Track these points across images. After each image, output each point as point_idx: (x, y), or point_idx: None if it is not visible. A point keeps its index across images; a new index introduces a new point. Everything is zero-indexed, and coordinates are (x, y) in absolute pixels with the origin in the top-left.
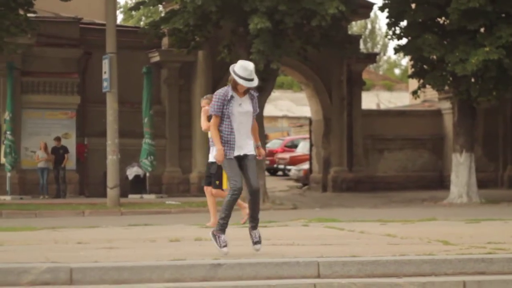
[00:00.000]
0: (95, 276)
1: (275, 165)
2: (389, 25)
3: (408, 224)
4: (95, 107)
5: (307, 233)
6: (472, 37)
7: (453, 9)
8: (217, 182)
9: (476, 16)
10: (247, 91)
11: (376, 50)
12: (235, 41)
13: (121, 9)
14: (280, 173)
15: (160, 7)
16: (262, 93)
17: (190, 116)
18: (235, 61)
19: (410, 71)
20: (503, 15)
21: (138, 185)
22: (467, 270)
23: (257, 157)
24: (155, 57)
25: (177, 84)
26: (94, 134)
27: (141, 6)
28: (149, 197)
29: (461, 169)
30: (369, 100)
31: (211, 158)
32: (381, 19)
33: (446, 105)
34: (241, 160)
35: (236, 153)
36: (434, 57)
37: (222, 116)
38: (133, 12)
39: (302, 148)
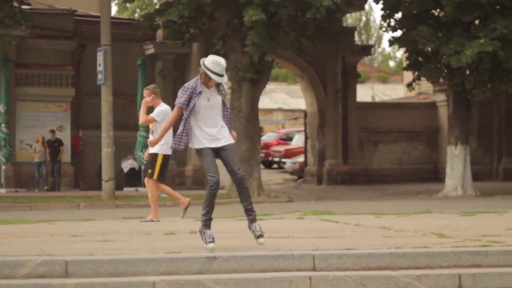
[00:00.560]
0: (90, 269)
1: (270, 158)
2: (384, 17)
3: (403, 216)
4: (90, 100)
5: (302, 225)
6: (466, 29)
7: (448, 1)
8: (149, 171)
9: (470, 8)
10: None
11: (371, 42)
12: (230, 33)
13: (116, 1)
14: (275, 166)
15: None
16: (257, 85)
17: None
18: (230, 53)
19: (405, 64)
20: (498, 7)
21: (133, 178)
22: (462, 263)
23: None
24: (150, 49)
25: (171, 76)
26: (89, 126)
27: None
28: (144, 190)
29: (456, 161)
30: (364, 93)
31: (154, 150)
32: (376, 11)
33: (441, 98)
34: (219, 153)
35: (213, 145)
36: (429, 49)
37: (188, 109)
38: (128, 4)
39: (297, 141)
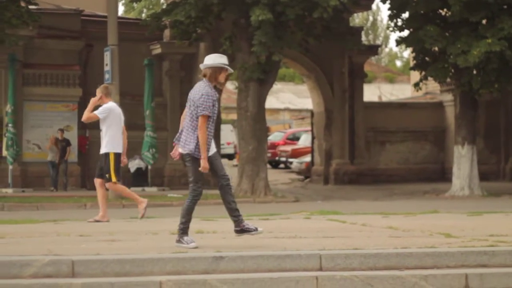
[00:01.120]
0: (97, 269)
1: (277, 158)
2: (391, 17)
3: (410, 216)
4: None
5: (309, 225)
6: (474, 28)
7: (455, 0)
8: (107, 176)
9: (478, 7)
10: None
11: (378, 42)
12: (237, 33)
13: (123, 1)
14: (282, 165)
15: None
16: (264, 85)
17: None
18: (237, 53)
19: (412, 63)
20: (505, 6)
21: (140, 177)
22: (469, 263)
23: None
24: (157, 49)
25: (178, 76)
26: (96, 126)
27: None
28: (151, 189)
29: (463, 161)
30: (371, 93)
31: (103, 150)
32: (383, 11)
33: (448, 97)
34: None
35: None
36: (436, 49)
37: (212, 116)
38: (135, 4)
39: (304, 141)
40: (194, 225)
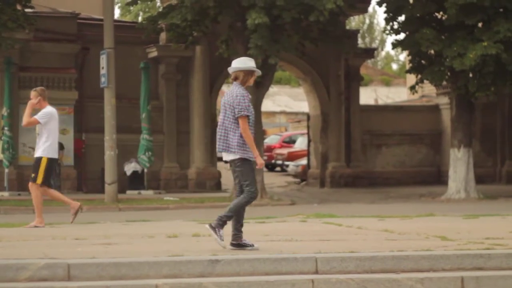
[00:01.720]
0: (93, 272)
1: (273, 161)
2: (387, 20)
3: (406, 219)
4: (93, 103)
5: (305, 228)
6: (470, 32)
7: (451, 3)
8: (33, 175)
9: (474, 10)
10: None
11: (374, 45)
12: (233, 36)
13: (119, 4)
14: (278, 168)
15: (158, 2)
16: (260, 88)
17: (188, 111)
18: (233, 56)
19: (408, 66)
20: (501, 9)
21: (136, 180)
22: (465, 266)
23: None
24: (153, 52)
25: (174, 79)
26: (92, 129)
27: (139, 1)
28: (147, 193)
29: (459, 164)
30: (367, 95)
31: (38, 154)
32: (379, 14)
33: (444, 100)
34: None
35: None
36: (432, 52)
37: (251, 117)
38: (131, 7)
39: (300, 144)
40: (190, 229)
